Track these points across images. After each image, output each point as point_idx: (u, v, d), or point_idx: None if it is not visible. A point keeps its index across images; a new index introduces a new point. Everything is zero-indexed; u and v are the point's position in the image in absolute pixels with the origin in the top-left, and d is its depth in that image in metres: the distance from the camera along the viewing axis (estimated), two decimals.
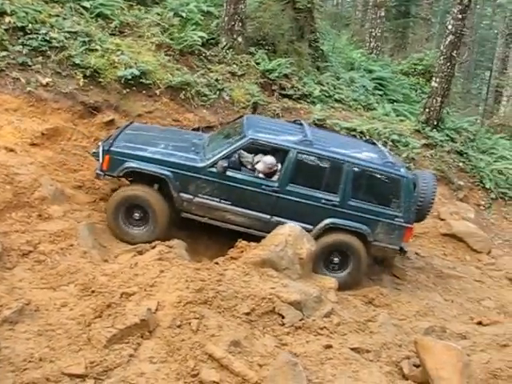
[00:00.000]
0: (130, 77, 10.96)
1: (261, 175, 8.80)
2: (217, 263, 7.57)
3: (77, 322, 6.07)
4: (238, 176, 8.62)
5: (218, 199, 8.57)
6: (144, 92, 11.26)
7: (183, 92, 11.56)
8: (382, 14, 20.03)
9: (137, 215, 8.54)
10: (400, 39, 25.64)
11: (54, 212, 8.19)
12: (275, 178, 8.75)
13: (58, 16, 11.24)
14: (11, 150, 8.90)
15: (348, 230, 8.82)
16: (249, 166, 9.05)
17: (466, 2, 13.03)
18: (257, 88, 12.60)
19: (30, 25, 10.63)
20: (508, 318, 9.50)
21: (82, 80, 10.64)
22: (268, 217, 8.68)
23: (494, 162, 14.16)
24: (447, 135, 13.93)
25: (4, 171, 8.24)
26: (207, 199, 8.56)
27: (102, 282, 6.74)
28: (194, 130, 10.89)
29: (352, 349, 6.72)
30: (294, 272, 7.71)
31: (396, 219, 8.87)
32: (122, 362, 5.57)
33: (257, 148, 9.03)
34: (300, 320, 6.90)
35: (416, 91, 17.21)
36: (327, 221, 8.72)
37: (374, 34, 19.97)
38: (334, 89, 14.28)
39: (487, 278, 10.80)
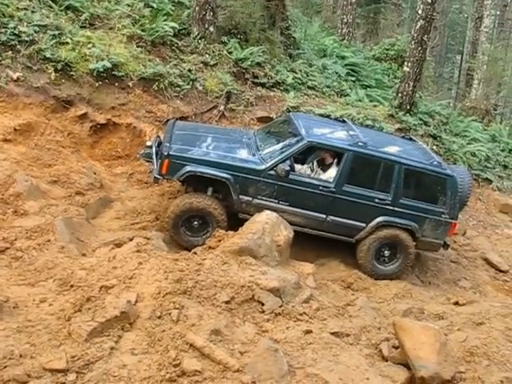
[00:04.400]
0: (101, 69, 10.87)
1: (320, 175, 9.14)
2: (195, 253, 7.61)
3: (56, 317, 6.06)
4: (297, 178, 8.90)
5: (276, 200, 8.83)
6: (117, 84, 11.18)
7: (156, 83, 11.50)
8: (353, 0, 20.07)
9: (196, 223, 8.67)
10: (371, 25, 25.66)
11: (29, 208, 8.12)
12: (331, 177, 8.99)
13: (26, 9, 11.07)
14: None
15: (398, 226, 9.22)
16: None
17: None
18: (230, 77, 12.56)
19: None
20: (483, 297, 9.70)
21: (53, 74, 10.53)
22: (324, 216, 9.03)
23: (467, 144, 14.35)
24: (420, 119, 14.05)
25: None
26: (266, 201, 8.79)
27: (81, 276, 6.72)
28: (167, 120, 10.86)
29: (332, 333, 6.80)
30: (273, 259, 7.78)
31: (442, 216, 9.36)
32: (103, 355, 5.58)
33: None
34: (279, 307, 6.97)
35: (388, 76, 17.26)
36: (380, 219, 9.15)
37: (345, 20, 19.95)
38: (307, 76, 14.27)
39: (463, 258, 11.00)
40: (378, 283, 9.04)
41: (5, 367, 5.29)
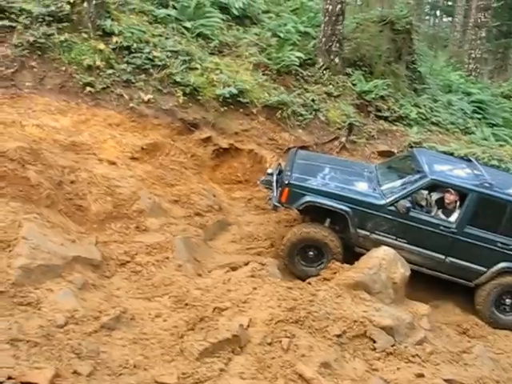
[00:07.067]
0: (228, 95, 11.17)
1: (440, 215, 8.87)
2: (309, 283, 7.56)
3: (170, 333, 6.20)
4: (418, 216, 8.67)
5: (394, 237, 8.65)
6: (241, 110, 11.45)
7: (279, 111, 11.66)
8: (483, 34, 19.57)
9: (311, 253, 8.67)
10: (500, 60, 24.86)
11: (150, 224, 8.37)
12: (453, 218, 8.74)
13: (160, 36, 11.68)
14: (113, 163, 9.22)
15: None
16: (423, 202, 9.11)
17: None
18: (352, 109, 12.53)
19: (135, 44, 11.09)
20: None
21: (181, 97, 10.95)
22: (442, 257, 8.73)
23: None
24: None
25: (106, 183, 8.53)
26: (384, 236, 8.65)
27: (196, 295, 6.86)
28: (288, 149, 10.93)
29: (445, 380, 6.53)
30: (387, 296, 7.58)
31: None
32: (212, 376, 5.63)
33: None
34: (392, 346, 6.78)
35: None
36: (503, 264, 8.71)
37: (473, 55, 19.50)
38: (431, 111, 13.97)
39: None
40: (497, 332, 8.53)
41: (120, 375, 5.48)
